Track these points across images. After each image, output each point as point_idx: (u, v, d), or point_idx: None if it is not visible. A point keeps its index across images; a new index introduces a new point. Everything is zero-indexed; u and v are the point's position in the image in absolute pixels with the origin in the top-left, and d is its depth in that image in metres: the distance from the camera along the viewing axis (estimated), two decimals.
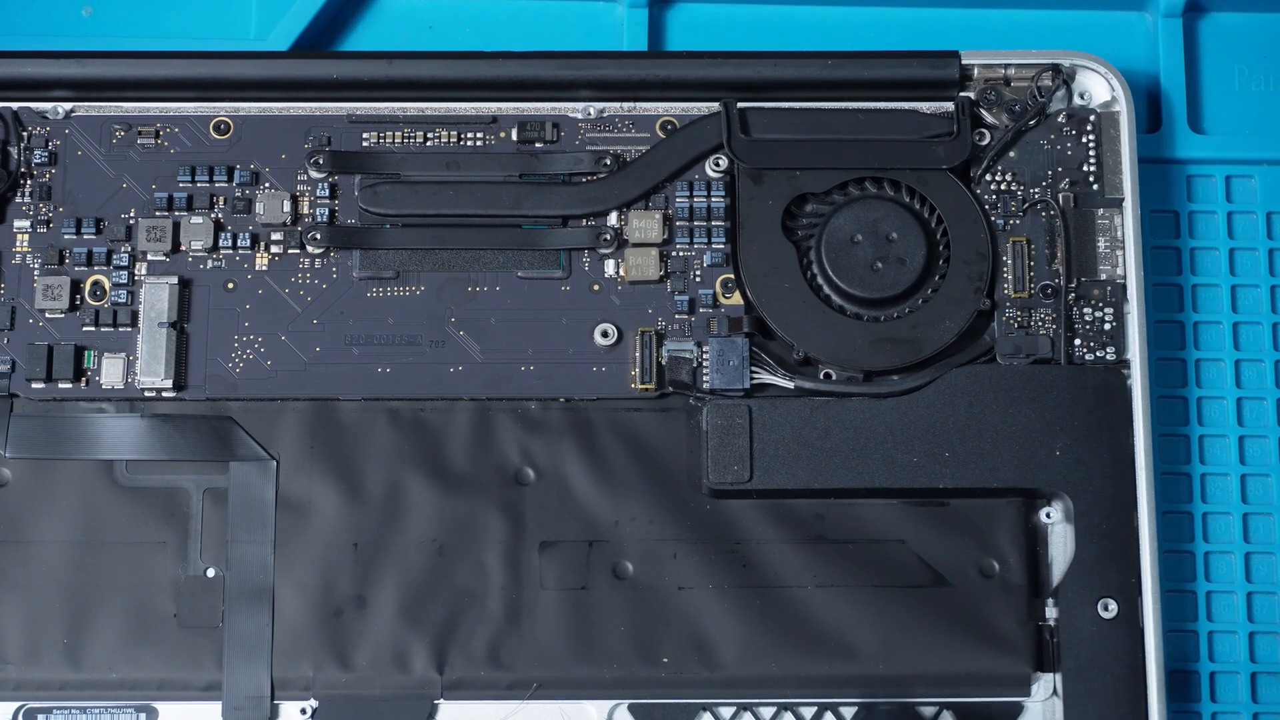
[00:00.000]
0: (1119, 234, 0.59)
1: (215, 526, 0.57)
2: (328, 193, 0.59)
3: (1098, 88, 0.60)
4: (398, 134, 0.59)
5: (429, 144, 0.59)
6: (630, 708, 0.56)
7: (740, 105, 0.59)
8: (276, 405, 0.58)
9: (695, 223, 0.59)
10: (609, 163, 0.59)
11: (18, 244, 0.59)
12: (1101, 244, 0.58)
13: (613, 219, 0.59)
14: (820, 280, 0.58)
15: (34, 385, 0.57)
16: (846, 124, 0.59)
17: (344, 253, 0.58)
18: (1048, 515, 0.57)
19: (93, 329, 0.58)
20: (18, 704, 0.55)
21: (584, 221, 0.59)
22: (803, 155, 0.58)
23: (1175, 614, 0.59)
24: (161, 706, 0.56)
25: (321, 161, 0.59)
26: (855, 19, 0.65)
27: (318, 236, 0.58)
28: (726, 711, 0.56)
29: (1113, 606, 0.55)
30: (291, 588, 0.56)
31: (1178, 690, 0.59)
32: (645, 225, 0.58)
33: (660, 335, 0.58)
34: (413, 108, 0.60)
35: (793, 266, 0.58)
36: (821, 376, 0.57)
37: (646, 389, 0.57)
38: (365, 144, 0.59)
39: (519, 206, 0.59)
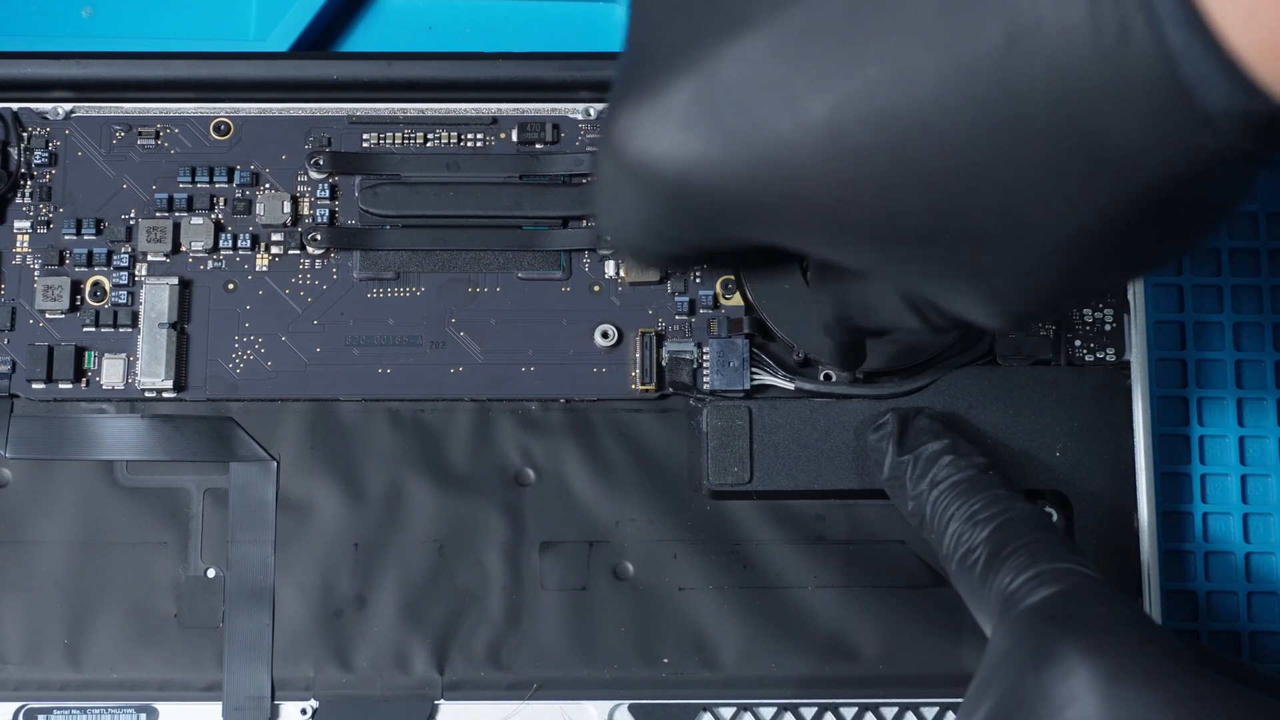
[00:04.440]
0: None
1: (216, 527, 0.57)
2: (328, 194, 0.59)
3: None
4: (398, 135, 0.59)
5: (429, 145, 0.59)
6: (631, 708, 0.56)
7: None
8: (277, 406, 0.58)
9: None
10: None
11: (18, 244, 0.59)
12: None
13: None
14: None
15: (34, 386, 0.57)
16: None
17: (344, 253, 0.59)
18: (1048, 515, 0.57)
19: (93, 330, 0.58)
20: (18, 704, 0.55)
21: (584, 222, 0.59)
22: None
23: (1176, 613, 0.59)
24: (162, 707, 0.56)
25: (321, 162, 0.59)
26: None
27: (318, 237, 0.58)
28: (727, 712, 0.56)
29: None
30: (292, 588, 0.56)
31: None
32: None
33: (660, 336, 0.58)
34: (413, 108, 0.60)
35: (793, 267, 0.58)
36: (821, 378, 0.57)
37: (647, 390, 0.57)
38: (365, 145, 0.59)
39: (519, 208, 0.59)
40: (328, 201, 0.59)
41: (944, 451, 0.52)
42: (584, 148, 0.59)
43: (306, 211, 0.59)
